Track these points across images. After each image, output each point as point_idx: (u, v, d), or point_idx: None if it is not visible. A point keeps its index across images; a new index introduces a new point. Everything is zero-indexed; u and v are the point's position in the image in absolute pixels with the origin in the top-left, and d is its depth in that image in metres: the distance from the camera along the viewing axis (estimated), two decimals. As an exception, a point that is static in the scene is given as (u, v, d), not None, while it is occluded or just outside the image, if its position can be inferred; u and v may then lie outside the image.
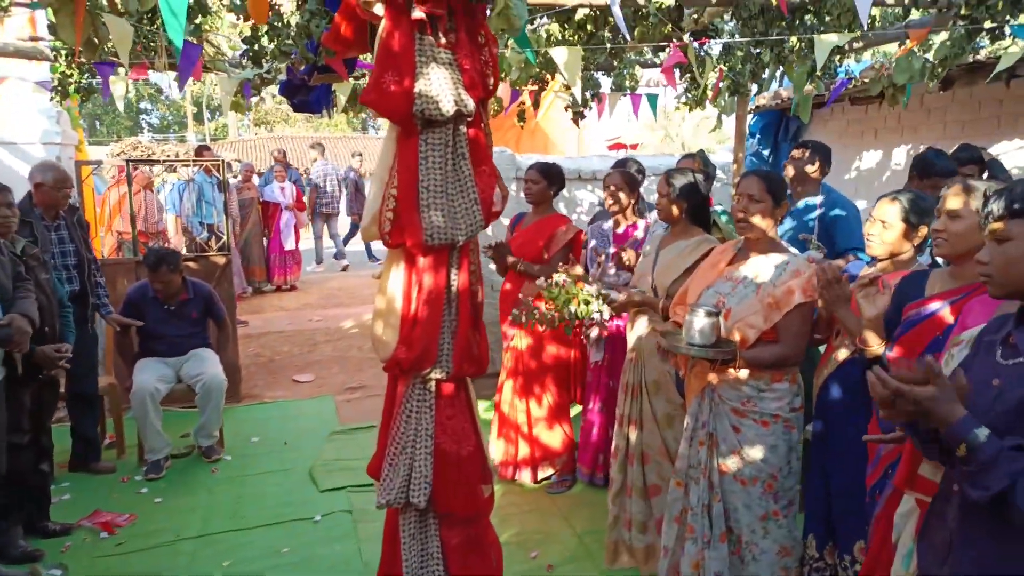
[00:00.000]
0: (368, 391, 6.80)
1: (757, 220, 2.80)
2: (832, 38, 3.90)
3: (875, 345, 2.42)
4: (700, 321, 2.68)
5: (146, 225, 8.72)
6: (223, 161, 7.17)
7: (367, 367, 7.49)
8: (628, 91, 6.53)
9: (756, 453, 2.72)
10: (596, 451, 4.36)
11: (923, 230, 2.66)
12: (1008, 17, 3.82)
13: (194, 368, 5.09)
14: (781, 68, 5.72)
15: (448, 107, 2.09)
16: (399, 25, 2.07)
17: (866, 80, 6.75)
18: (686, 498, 2.89)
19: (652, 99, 6.63)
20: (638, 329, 3.61)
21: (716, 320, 2.71)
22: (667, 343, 2.83)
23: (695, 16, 5.22)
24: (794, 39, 5.16)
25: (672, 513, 2.96)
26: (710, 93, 5.79)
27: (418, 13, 2.03)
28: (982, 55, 5.56)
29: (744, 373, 2.73)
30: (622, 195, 4.17)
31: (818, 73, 4.51)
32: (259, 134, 29.94)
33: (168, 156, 13.41)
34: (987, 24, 3.86)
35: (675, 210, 3.40)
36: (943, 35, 5.17)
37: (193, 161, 8.34)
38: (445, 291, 2.22)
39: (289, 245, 10.92)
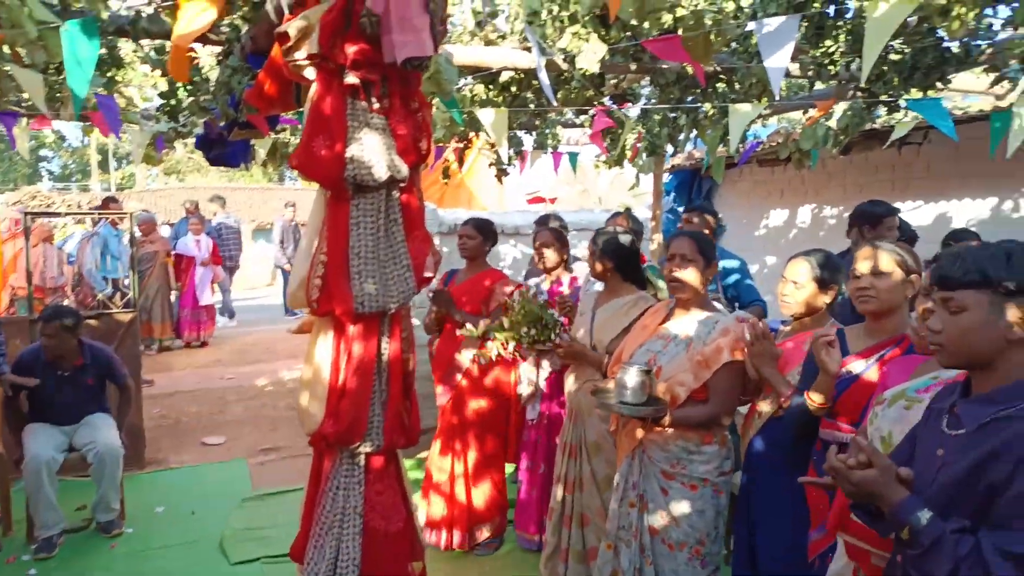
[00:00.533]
0: (284, 452, 6.48)
1: (689, 279, 2.82)
2: (746, 108, 4.09)
3: (818, 402, 2.40)
4: (631, 379, 2.65)
5: (43, 280, 8.18)
6: (131, 213, 6.84)
7: (282, 427, 7.17)
8: (550, 149, 6.67)
9: (684, 518, 2.70)
10: (540, 513, 4.20)
11: (834, 288, 2.71)
12: (902, 92, 4.11)
13: (87, 436, 4.71)
14: (695, 131, 5.98)
15: (381, 173, 2.05)
16: (331, 90, 2.03)
17: (774, 144, 7.14)
18: (616, 560, 2.85)
19: (572, 157, 6.80)
20: (569, 385, 3.59)
21: (647, 378, 2.68)
22: (598, 401, 2.81)
23: (615, 81, 5.41)
24: (708, 106, 5.41)
25: None
26: (629, 154, 5.97)
27: (351, 78, 1.99)
28: (878, 124, 5.95)
29: (671, 430, 2.72)
30: (550, 252, 4.20)
31: (731, 140, 4.70)
32: (169, 184, 28.85)
33: (70, 207, 12.71)
34: (884, 97, 4.13)
35: (600, 268, 3.42)
36: (843, 105, 5.54)
37: (98, 212, 7.92)
38: (376, 360, 2.14)
39: (205, 300, 10.47)
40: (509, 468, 4.76)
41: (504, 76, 5.08)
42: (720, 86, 5.40)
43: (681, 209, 9.07)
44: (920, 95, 4.27)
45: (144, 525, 4.90)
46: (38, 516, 4.48)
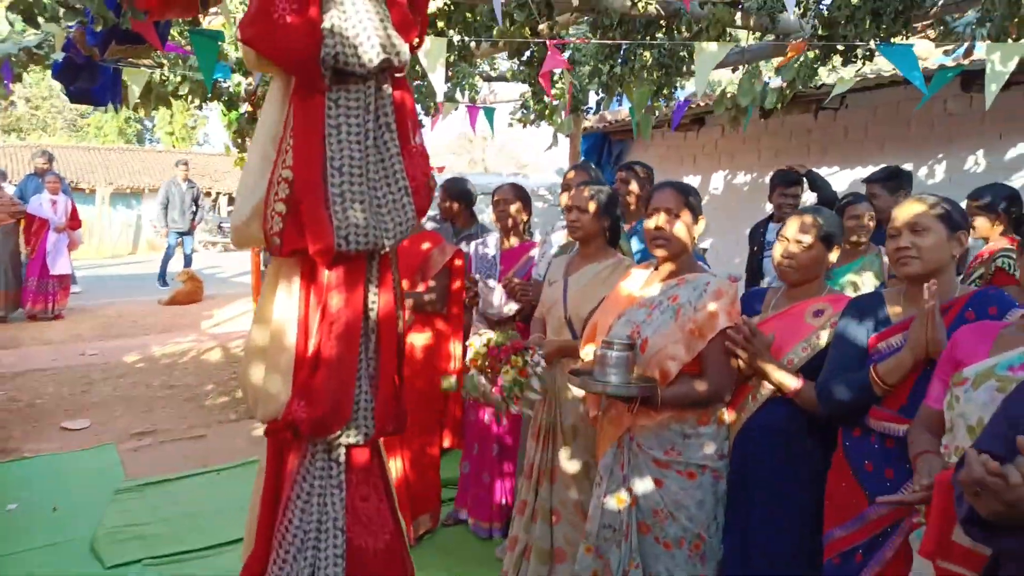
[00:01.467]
0: (161, 435, 5.63)
1: (677, 234, 2.47)
2: (712, 47, 3.72)
3: (890, 383, 2.03)
4: (613, 355, 2.29)
5: None
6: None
7: (158, 406, 6.31)
8: (468, 103, 6.10)
9: (682, 510, 2.38)
10: (494, 500, 3.77)
11: (838, 248, 2.48)
12: (875, 37, 3.90)
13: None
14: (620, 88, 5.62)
15: (372, 54, 1.45)
16: (297, -70, 1.41)
17: (701, 104, 6.92)
18: (599, 563, 2.47)
19: (489, 113, 6.26)
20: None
21: (632, 354, 2.33)
22: (578, 381, 2.42)
23: (550, 24, 4.92)
24: (647, 54, 5.05)
25: None
26: (564, 108, 5.53)
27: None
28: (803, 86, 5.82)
29: (666, 413, 2.38)
30: (513, 209, 3.66)
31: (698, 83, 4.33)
32: (7, 143, 25.60)
33: None
34: (849, 43, 3.90)
35: (595, 227, 2.94)
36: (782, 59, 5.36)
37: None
38: (363, 318, 1.56)
39: (60, 269, 9.16)
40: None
41: (431, 7, 4.46)
42: (660, 35, 5.05)
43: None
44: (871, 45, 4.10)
45: (-4, 525, 4.00)
46: None
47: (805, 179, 4.62)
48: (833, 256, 2.48)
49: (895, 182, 4.01)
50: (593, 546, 2.48)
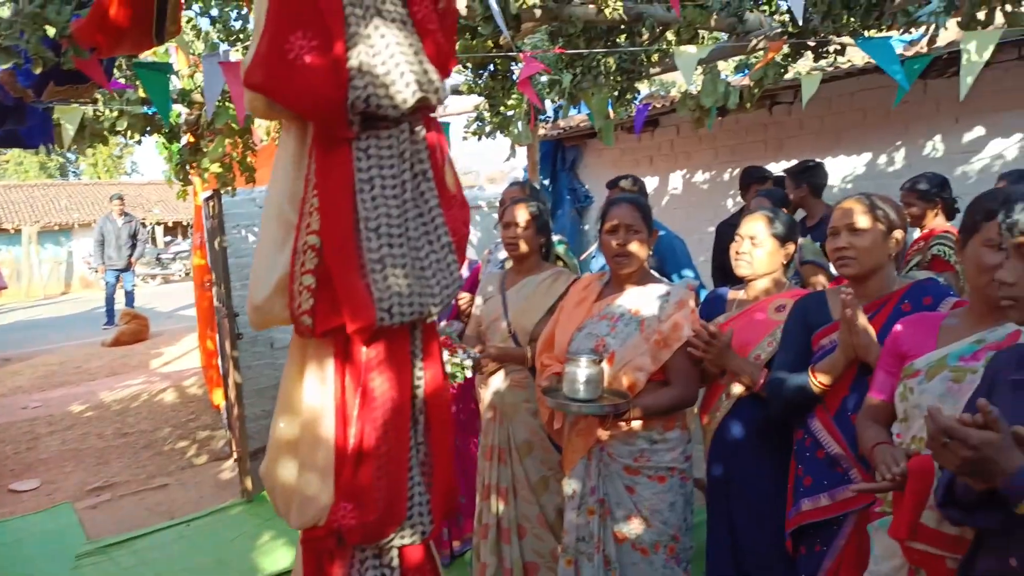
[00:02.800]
0: (120, 489, 5.26)
1: (636, 250, 2.54)
2: (691, 50, 3.60)
3: (825, 384, 2.14)
4: (583, 371, 2.33)
5: None
6: None
7: (113, 458, 5.93)
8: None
9: (656, 515, 2.45)
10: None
11: (791, 246, 2.57)
12: (838, 34, 3.84)
13: None
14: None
15: (407, 93, 1.23)
16: (309, -47, 1.18)
17: (658, 106, 6.85)
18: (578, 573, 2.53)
19: (444, 127, 6.04)
20: (495, 383, 3.02)
21: (601, 368, 2.39)
22: (552, 402, 2.45)
23: (511, 33, 4.73)
24: (611, 60, 4.92)
25: None
26: (522, 122, 5.34)
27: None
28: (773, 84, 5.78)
29: (638, 424, 2.45)
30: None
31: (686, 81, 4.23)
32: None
33: None
34: (832, 39, 3.83)
35: (533, 245, 3.03)
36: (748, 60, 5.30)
37: None
38: (411, 399, 1.34)
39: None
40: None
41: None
42: (622, 39, 4.92)
43: (547, 182, 8.64)
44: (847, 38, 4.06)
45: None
46: None
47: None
48: (785, 254, 2.56)
49: (802, 176, 4.49)
50: (572, 558, 2.53)
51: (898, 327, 1.91)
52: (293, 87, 1.18)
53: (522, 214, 2.97)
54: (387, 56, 1.22)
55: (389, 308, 1.26)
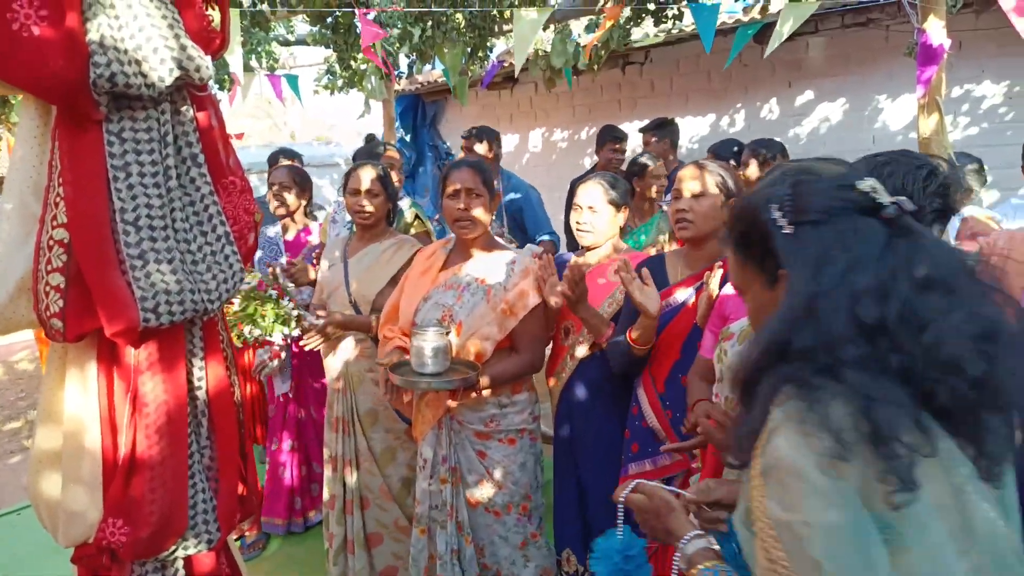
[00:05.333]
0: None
1: (480, 215, 2.48)
2: (532, 14, 3.56)
3: (641, 343, 2.23)
4: (431, 344, 2.28)
5: None
6: None
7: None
8: (267, 71, 5.54)
9: (507, 476, 2.48)
10: (291, 495, 3.63)
11: (624, 211, 2.63)
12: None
13: None
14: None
15: (163, 71, 1.11)
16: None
17: (513, 64, 6.77)
18: (432, 545, 2.54)
19: (292, 80, 5.74)
20: (343, 353, 2.97)
21: (448, 340, 2.36)
22: (401, 380, 2.38)
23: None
24: (460, 16, 4.80)
25: (419, 566, 2.56)
26: (375, 77, 5.14)
27: None
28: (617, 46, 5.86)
29: (488, 392, 2.43)
30: (289, 196, 3.50)
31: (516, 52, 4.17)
32: None
33: None
34: (669, 5, 3.91)
35: (383, 211, 2.93)
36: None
37: None
38: (188, 400, 1.24)
39: None
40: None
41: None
42: (470, -6, 4.80)
43: (408, 137, 8.45)
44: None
45: None
46: None
47: None
48: (621, 218, 2.61)
49: (664, 130, 4.62)
50: (426, 527, 2.54)
51: (725, 291, 1.98)
52: (18, 62, 1.03)
53: (370, 179, 2.86)
54: (136, 30, 1.09)
55: (155, 307, 1.15)
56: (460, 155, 4.26)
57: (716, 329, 1.95)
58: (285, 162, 4.34)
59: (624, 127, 7.01)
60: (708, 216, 2.16)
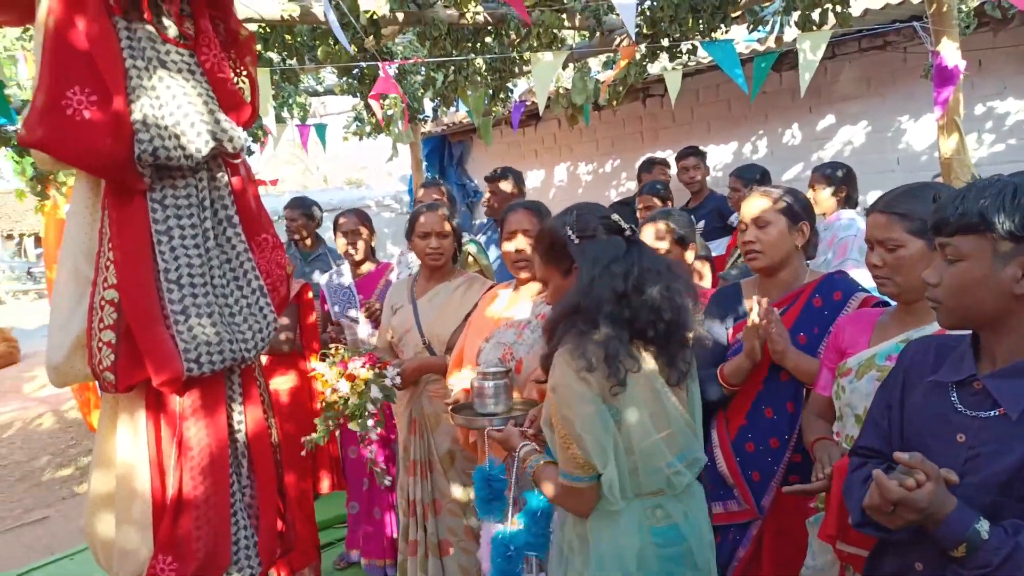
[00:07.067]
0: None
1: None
2: (548, 57, 3.68)
3: (736, 385, 2.12)
4: (490, 385, 2.23)
5: None
6: None
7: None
8: (298, 122, 5.76)
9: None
10: (389, 539, 3.61)
11: (693, 248, 2.60)
12: (698, 35, 4.02)
13: None
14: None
15: (199, 143, 1.23)
16: (84, 5, 1.16)
17: (536, 102, 6.93)
18: None
19: (320, 129, 5.96)
20: (411, 396, 2.96)
21: (508, 380, 2.31)
22: (462, 420, 2.35)
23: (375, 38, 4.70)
24: (480, 60, 4.96)
25: None
26: (400, 122, 5.32)
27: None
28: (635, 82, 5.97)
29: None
30: (364, 236, 3.56)
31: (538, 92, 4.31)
32: None
33: None
34: (682, 41, 4.00)
35: (451, 251, 2.90)
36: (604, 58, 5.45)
37: None
38: (229, 443, 1.34)
39: None
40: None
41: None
42: (490, 40, 4.97)
43: (436, 177, 8.64)
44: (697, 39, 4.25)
45: None
46: None
47: None
48: (689, 256, 2.57)
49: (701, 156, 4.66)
50: None
51: (840, 322, 1.90)
52: (73, 143, 1.16)
53: (442, 222, 2.83)
54: (175, 107, 1.21)
55: (197, 358, 1.26)
56: (486, 196, 4.34)
57: (832, 364, 1.86)
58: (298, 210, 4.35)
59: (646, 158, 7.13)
60: (775, 244, 2.08)
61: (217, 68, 1.27)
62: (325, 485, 3.74)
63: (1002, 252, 1.20)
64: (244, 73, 1.37)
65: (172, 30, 1.24)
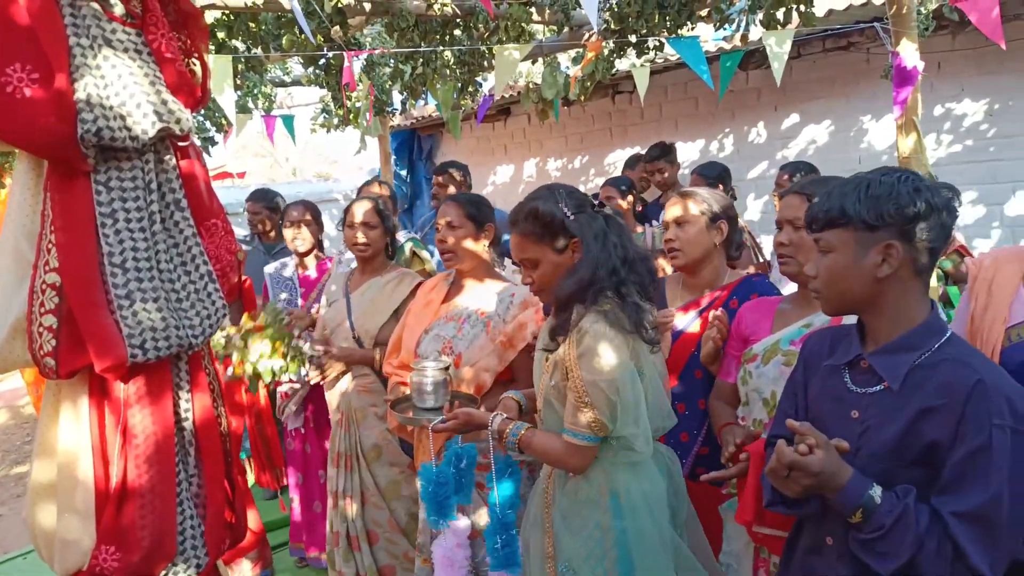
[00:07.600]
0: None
1: (467, 246, 2.48)
2: (515, 55, 3.68)
3: None
4: (430, 379, 2.23)
5: None
6: None
7: None
8: (263, 112, 5.68)
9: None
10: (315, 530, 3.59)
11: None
12: (665, 31, 4.04)
13: None
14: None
15: (145, 124, 1.20)
16: (25, -20, 1.12)
17: (505, 96, 6.93)
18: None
19: (288, 120, 5.89)
20: (341, 388, 2.98)
21: (447, 375, 2.32)
22: (401, 418, 2.35)
23: (342, 28, 4.65)
24: (448, 53, 4.93)
25: None
26: (368, 114, 5.27)
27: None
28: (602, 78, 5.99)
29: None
30: (308, 231, 3.53)
31: (497, 86, 4.30)
32: None
33: None
34: (649, 37, 4.02)
35: (382, 244, 2.95)
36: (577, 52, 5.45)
37: None
38: (175, 431, 1.32)
39: None
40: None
41: (209, 18, 4.03)
42: (459, 33, 4.95)
43: (404, 172, 8.58)
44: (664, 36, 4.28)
45: None
46: None
47: None
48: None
49: (669, 155, 4.60)
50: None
51: (741, 311, 1.99)
52: (13, 121, 1.13)
53: (364, 211, 2.88)
54: (120, 87, 1.19)
55: (142, 344, 1.23)
56: (434, 189, 4.34)
57: (737, 352, 1.95)
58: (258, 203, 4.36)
59: (615, 154, 7.16)
60: (694, 242, 2.18)
61: (165, 48, 1.24)
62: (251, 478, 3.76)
63: (862, 241, 1.30)
64: (195, 54, 1.35)
65: (119, 8, 1.21)
